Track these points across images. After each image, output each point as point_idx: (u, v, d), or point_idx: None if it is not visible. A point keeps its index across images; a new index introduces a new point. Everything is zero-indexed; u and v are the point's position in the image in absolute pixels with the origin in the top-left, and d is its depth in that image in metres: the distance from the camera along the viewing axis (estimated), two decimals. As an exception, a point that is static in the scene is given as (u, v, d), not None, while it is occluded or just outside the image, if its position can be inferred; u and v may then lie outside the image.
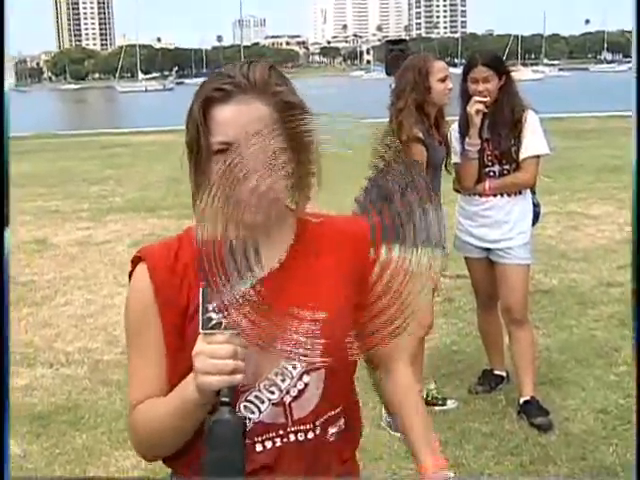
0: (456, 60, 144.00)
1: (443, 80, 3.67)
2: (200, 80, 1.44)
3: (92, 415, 4.03)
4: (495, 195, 3.77)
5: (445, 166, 3.76)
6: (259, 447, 1.32)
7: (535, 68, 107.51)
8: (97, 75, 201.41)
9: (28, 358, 4.86)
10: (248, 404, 1.31)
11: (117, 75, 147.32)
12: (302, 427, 1.34)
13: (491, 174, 3.76)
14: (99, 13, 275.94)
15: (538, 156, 3.74)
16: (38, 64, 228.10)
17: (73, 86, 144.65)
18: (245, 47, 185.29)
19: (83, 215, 9.67)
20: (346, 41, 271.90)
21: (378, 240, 1.30)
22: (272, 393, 1.32)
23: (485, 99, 3.67)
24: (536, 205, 3.92)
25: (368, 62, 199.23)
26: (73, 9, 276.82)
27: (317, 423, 1.35)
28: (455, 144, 3.79)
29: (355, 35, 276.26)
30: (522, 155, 3.70)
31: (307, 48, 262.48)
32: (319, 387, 1.34)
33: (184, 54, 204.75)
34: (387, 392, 1.53)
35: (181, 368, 1.28)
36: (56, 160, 15.63)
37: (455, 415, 3.84)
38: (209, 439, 1.19)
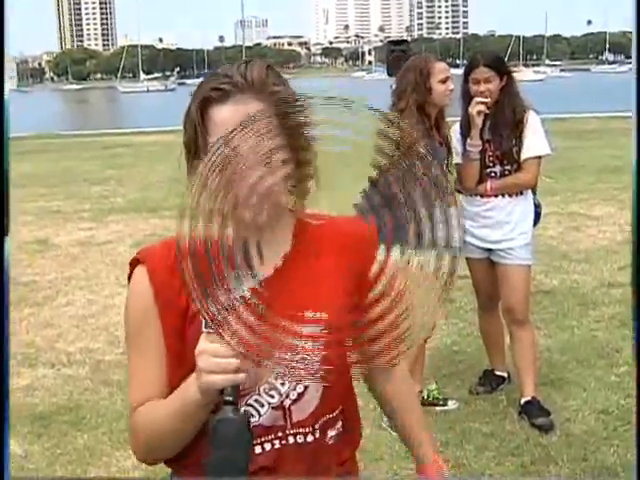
0: (458, 61, 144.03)
1: (444, 81, 3.67)
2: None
3: (93, 415, 4.03)
4: (496, 196, 3.77)
5: (446, 167, 3.76)
6: (258, 449, 1.31)
7: (537, 69, 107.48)
8: (99, 75, 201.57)
9: (29, 358, 4.86)
10: (248, 408, 1.30)
11: (119, 75, 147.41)
12: (301, 430, 1.34)
13: (492, 175, 3.76)
14: (101, 13, 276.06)
15: (539, 157, 3.74)
16: (40, 64, 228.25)
17: (75, 86, 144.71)
18: (247, 47, 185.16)
19: (85, 215, 9.67)
20: (348, 42, 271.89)
21: (379, 241, 1.28)
22: (272, 397, 1.32)
23: (486, 100, 3.67)
24: (537, 206, 3.93)
25: (370, 63, 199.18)
26: (75, 9, 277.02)
27: (316, 426, 1.35)
28: (456, 145, 3.80)
29: (357, 36, 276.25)
30: (523, 156, 3.71)
31: (309, 49, 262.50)
32: (318, 390, 1.34)
33: (186, 54, 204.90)
34: (383, 391, 1.53)
35: (182, 370, 1.28)
36: (58, 160, 15.65)
37: (456, 415, 3.84)
38: (214, 439, 1.18)
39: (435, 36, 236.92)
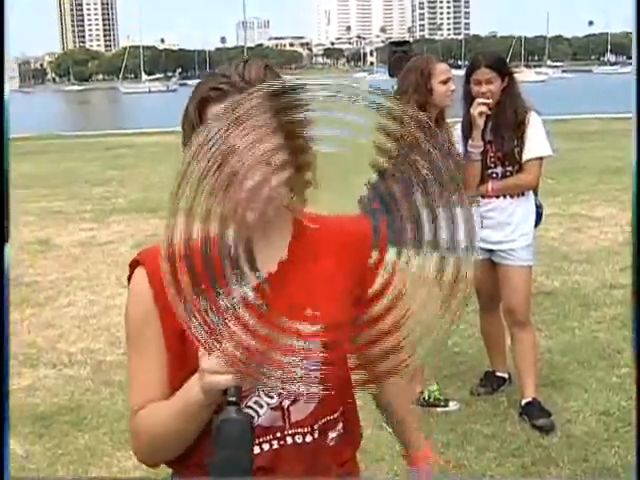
0: (459, 62, 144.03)
1: (445, 82, 3.67)
2: (203, 81, 1.43)
3: (94, 416, 4.03)
4: (498, 197, 3.77)
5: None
6: (257, 449, 1.30)
7: (538, 70, 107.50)
8: (101, 76, 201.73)
9: (31, 359, 4.87)
10: (247, 409, 1.30)
11: (120, 76, 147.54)
12: (300, 430, 1.34)
13: (494, 176, 3.76)
14: (103, 14, 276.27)
15: (541, 158, 3.74)
16: (42, 65, 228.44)
17: (77, 87, 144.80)
18: (249, 48, 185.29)
19: (86, 216, 9.68)
20: (349, 42, 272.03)
21: (379, 242, 1.27)
22: (271, 398, 1.32)
23: (488, 101, 3.67)
24: (539, 207, 3.92)
25: (371, 64, 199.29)
26: (77, 10, 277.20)
27: (315, 426, 1.35)
28: (458, 146, 3.79)
29: (358, 37, 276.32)
30: (525, 157, 3.71)
31: (310, 49, 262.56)
32: None
33: (187, 55, 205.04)
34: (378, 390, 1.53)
35: (183, 372, 1.28)
36: (59, 161, 15.66)
37: (457, 417, 3.84)
38: (217, 439, 1.18)
39: (437, 37, 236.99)
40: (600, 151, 13.25)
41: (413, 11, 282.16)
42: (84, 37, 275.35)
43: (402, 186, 1.18)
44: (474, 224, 1.16)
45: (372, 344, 1.22)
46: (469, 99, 3.73)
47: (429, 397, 3.92)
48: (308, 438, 1.34)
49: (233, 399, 1.19)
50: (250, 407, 1.31)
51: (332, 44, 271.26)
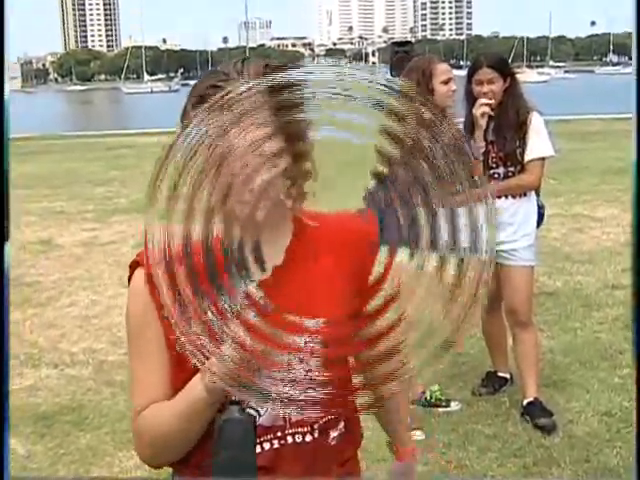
0: (461, 62, 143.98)
1: (446, 82, 3.67)
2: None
3: (96, 415, 4.04)
4: (500, 197, 3.77)
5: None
6: (257, 449, 1.30)
7: (541, 70, 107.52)
8: (103, 76, 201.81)
9: (33, 359, 4.87)
10: (249, 409, 1.29)
11: (123, 76, 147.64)
12: (300, 429, 1.34)
13: (496, 176, 3.75)
14: (105, 14, 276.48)
15: (543, 158, 3.74)
16: (44, 65, 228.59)
17: (79, 87, 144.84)
18: (251, 49, 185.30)
19: (88, 216, 9.68)
20: (352, 43, 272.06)
21: (380, 241, 1.23)
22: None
23: (490, 101, 3.67)
24: (541, 207, 3.92)
25: (373, 64, 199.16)
26: (79, 10, 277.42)
27: (315, 426, 1.35)
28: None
29: (360, 37, 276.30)
30: (527, 157, 3.70)
31: (313, 50, 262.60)
32: None
33: (189, 55, 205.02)
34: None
35: (184, 372, 1.27)
36: (61, 161, 15.67)
37: (458, 417, 3.84)
38: (220, 439, 1.18)
39: (439, 37, 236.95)
40: (602, 151, 13.24)
41: (415, 11, 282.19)
42: (86, 37, 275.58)
43: (410, 183, 1.14)
44: (493, 224, 1.12)
45: (373, 342, 1.20)
46: (471, 99, 3.73)
47: (431, 397, 3.92)
48: (309, 437, 1.34)
49: (236, 398, 1.18)
50: (251, 406, 1.30)
51: (334, 44, 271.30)
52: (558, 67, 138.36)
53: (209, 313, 1.14)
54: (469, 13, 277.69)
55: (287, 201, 1.23)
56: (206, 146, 1.09)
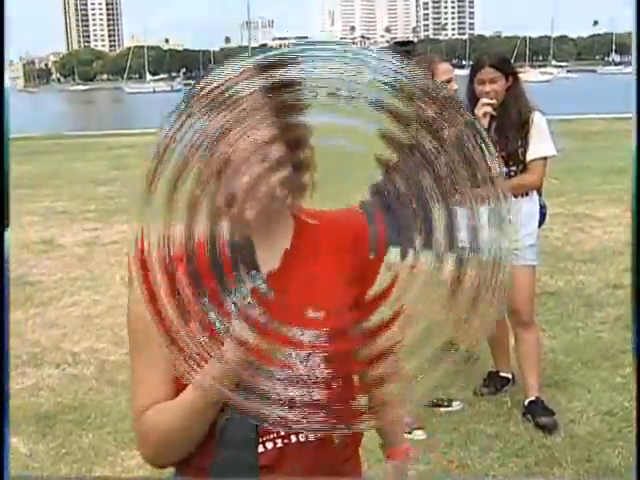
0: (464, 62, 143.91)
1: (447, 82, 3.67)
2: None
3: (98, 415, 4.04)
4: (501, 196, 3.76)
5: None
6: (260, 448, 1.31)
7: (543, 70, 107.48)
8: (105, 76, 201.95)
9: (35, 358, 4.88)
10: None
11: (125, 76, 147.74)
12: None
13: (497, 175, 3.75)
14: (107, 14, 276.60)
15: (545, 158, 3.74)
16: (46, 65, 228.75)
17: (81, 87, 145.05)
18: (253, 48, 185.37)
19: (90, 216, 9.68)
20: (354, 42, 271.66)
21: (380, 240, 1.26)
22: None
23: (492, 101, 3.67)
24: (543, 206, 3.92)
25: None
26: (81, 10, 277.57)
27: None
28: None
29: (363, 37, 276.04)
30: (529, 157, 3.70)
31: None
32: None
33: (192, 55, 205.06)
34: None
35: None
36: (63, 161, 15.67)
37: (460, 417, 3.84)
38: (222, 438, 1.17)
39: (441, 37, 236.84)
40: (604, 151, 13.23)
41: (417, 11, 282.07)
42: (89, 37, 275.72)
43: (414, 178, 1.13)
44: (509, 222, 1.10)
45: (373, 335, 1.20)
46: (473, 99, 3.73)
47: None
48: (311, 436, 1.34)
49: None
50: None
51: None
52: (560, 67, 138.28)
53: (212, 313, 1.14)
54: (471, 13, 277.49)
55: (287, 199, 1.23)
56: (205, 146, 1.09)
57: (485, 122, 3.66)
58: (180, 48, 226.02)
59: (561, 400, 3.94)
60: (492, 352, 4.18)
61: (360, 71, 1.07)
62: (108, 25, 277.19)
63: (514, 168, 3.72)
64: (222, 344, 1.15)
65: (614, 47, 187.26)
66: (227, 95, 1.08)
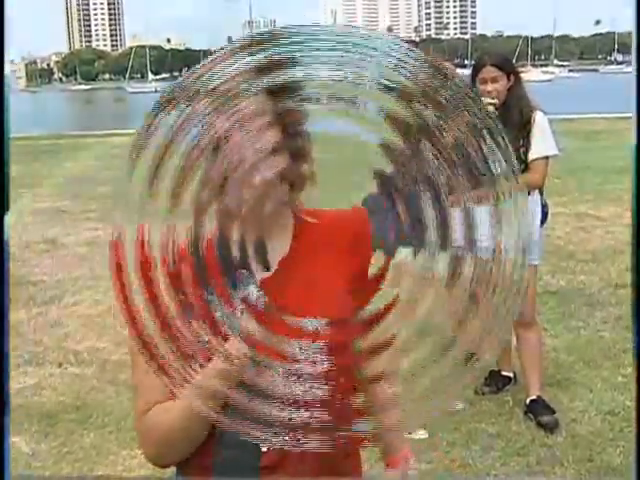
0: (466, 61, 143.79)
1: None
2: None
3: (100, 414, 4.04)
4: (503, 196, 3.76)
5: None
6: (263, 447, 1.31)
7: (545, 69, 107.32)
8: (107, 76, 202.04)
9: (37, 357, 4.88)
10: None
11: (127, 76, 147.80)
12: None
13: (499, 175, 3.75)
14: (109, 14, 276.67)
15: (547, 157, 3.74)
16: (48, 65, 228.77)
17: (83, 87, 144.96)
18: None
19: (92, 215, 9.68)
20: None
21: (382, 239, 1.25)
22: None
23: (494, 100, 3.66)
24: (544, 206, 3.92)
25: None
26: (83, 10, 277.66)
27: None
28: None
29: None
30: (531, 156, 3.70)
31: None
32: None
33: (194, 55, 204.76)
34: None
35: None
36: (65, 160, 15.67)
37: (462, 416, 3.84)
38: (223, 438, 1.17)
39: (443, 36, 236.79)
40: (606, 151, 13.21)
41: (419, 11, 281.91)
42: (90, 37, 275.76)
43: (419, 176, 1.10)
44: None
45: (372, 324, 1.19)
46: (474, 98, 3.72)
47: (434, 396, 3.92)
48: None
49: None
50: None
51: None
52: (562, 66, 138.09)
53: (218, 313, 1.14)
54: (473, 12, 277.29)
55: (286, 193, 1.23)
56: (204, 145, 1.09)
57: (486, 121, 3.65)
58: (182, 48, 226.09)
59: (563, 399, 3.94)
60: (494, 351, 4.18)
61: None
62: (110, 25, 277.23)
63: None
64: (226, 341, 1.15)
65: (616, 46, 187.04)
66: (213, 83, 1.07)
